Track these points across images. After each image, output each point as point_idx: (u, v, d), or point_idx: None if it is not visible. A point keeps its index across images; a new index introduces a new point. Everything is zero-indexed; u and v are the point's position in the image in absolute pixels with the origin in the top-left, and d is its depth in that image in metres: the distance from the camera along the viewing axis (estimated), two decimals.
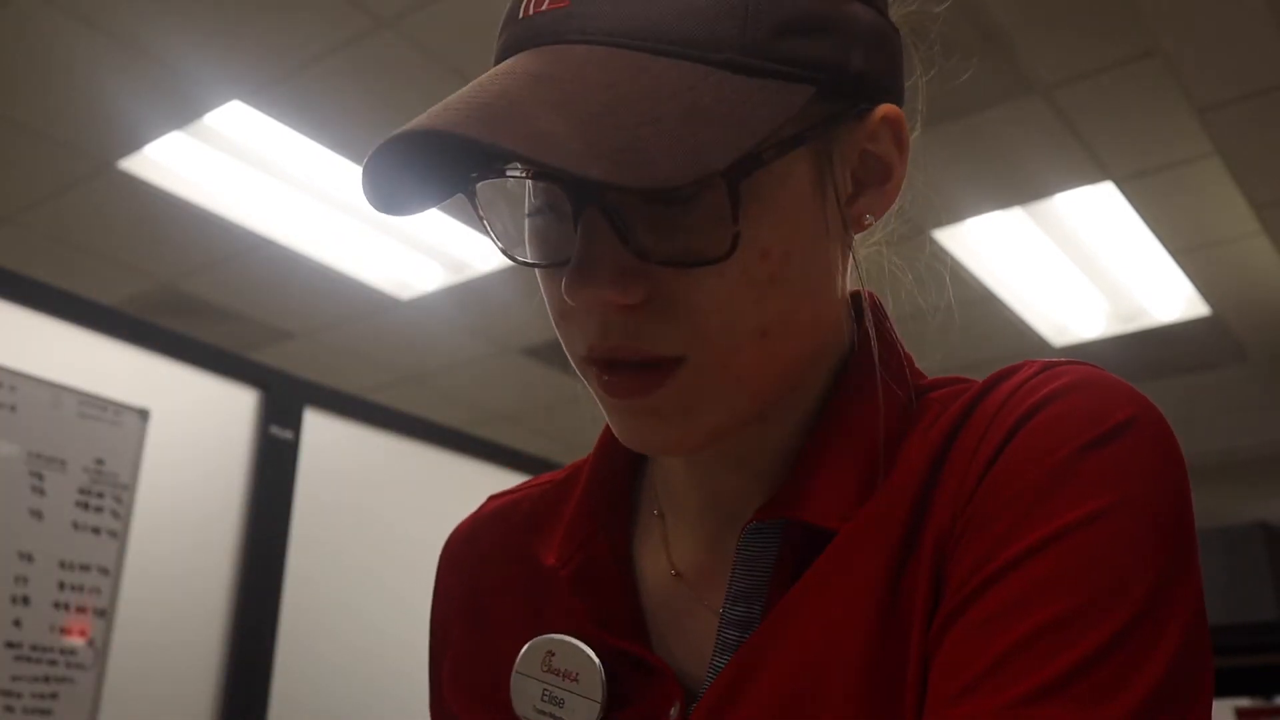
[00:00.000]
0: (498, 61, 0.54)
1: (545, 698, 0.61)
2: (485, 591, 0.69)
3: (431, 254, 4.24)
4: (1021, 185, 3.70)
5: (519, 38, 0.53)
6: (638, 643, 0.59)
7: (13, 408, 1.55)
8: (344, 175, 3.70)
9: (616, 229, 0.50)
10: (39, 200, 3.77)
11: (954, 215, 3.87)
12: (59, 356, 1.62)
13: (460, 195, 0.55)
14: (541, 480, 0.72)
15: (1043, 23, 2.92)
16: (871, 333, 0.60)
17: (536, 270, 0.56)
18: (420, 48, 3.03)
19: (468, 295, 4.40)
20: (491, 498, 0.74)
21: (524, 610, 0.65)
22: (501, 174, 0.54)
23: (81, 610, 1.59)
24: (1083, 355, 5.26)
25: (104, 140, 3.45)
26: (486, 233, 0.55)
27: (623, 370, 0.53)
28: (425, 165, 0.52)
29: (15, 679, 1.50)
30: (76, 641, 1.59)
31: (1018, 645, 0.46)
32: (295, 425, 1.93)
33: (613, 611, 0.61)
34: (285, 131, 3.46)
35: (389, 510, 2.08)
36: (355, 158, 3.59)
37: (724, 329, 0.52)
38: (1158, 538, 0.48)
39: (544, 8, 0.52)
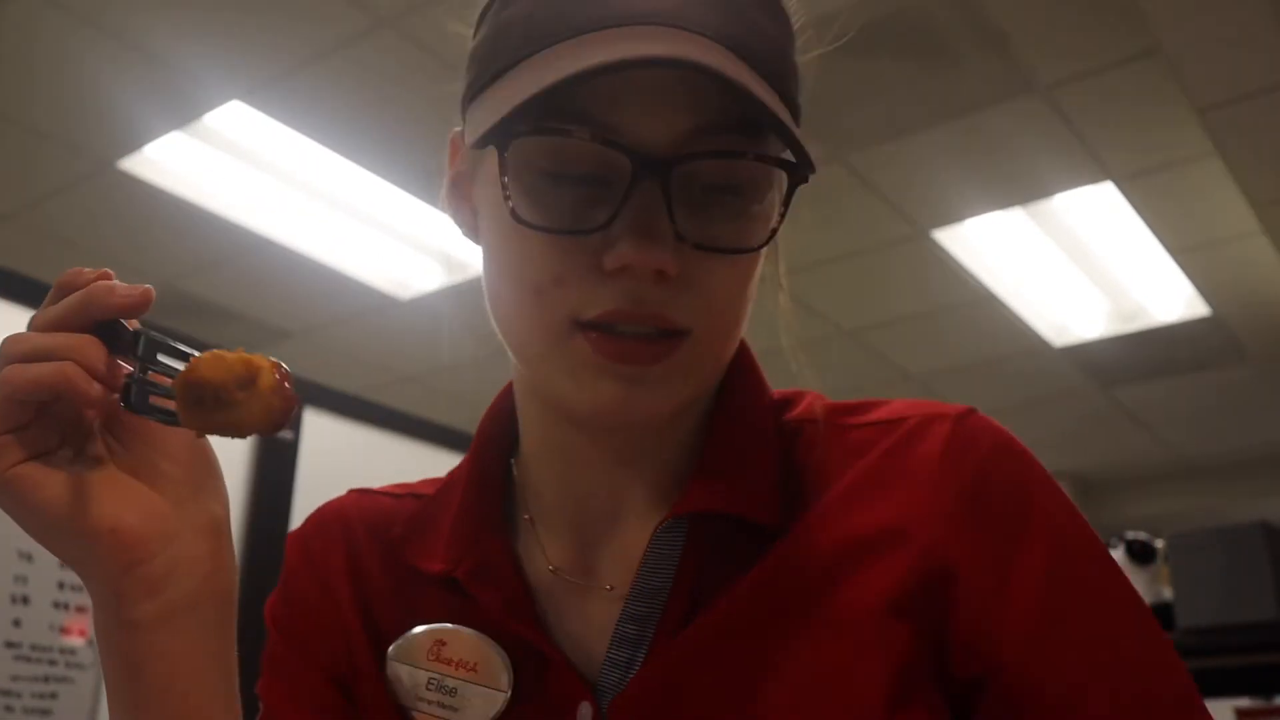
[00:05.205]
0: (560, 27, 0.55)
1: (432, 686, 0.61)
2: (365, 577, 0.67)
3: (431, 254, 4.24)
4: (1021, 185, 3.70)
5: (616, 13, 0.54)
6: (540, 634, 0.61)
7: None
8: (344, 175, 3.70)
9: (668, 206, 0.53)
10: (38, 199, 3.77)
11: (954, 215, 3.87)
12: None
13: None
14: (402, 490, 0.72)
15: (1043, 23, 2.92)
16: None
17: (529, 236, 0.56)
18: (420, 47, 3.03)
19: (468, 295, 4.33)
20: (354, 492, 0.73)
21: (402, 611, 0.65)
22: (566, 134, 0.54)
23: (81, 610, 1.59)
24: (1083, 355, 5.25)
25: (104, 140, 3.44)
26: (503, 190, 0.55)
27: (629, 339, 0.55)
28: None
29: (15, 679, 1.49)
30: (76, 641, 1.59)
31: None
32: (295, 425, 1.92)
33: (515, 602, 0.62)
34: (285, 131, 3.45)
35: None
36: (355, 157, 3.58)
37: (725, 309, 0.58)
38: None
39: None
